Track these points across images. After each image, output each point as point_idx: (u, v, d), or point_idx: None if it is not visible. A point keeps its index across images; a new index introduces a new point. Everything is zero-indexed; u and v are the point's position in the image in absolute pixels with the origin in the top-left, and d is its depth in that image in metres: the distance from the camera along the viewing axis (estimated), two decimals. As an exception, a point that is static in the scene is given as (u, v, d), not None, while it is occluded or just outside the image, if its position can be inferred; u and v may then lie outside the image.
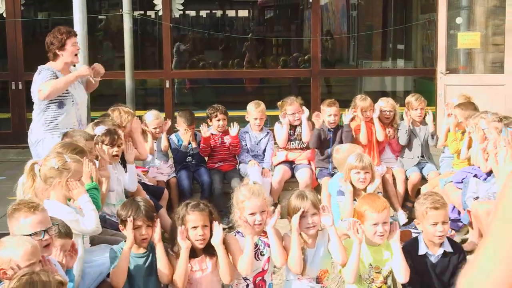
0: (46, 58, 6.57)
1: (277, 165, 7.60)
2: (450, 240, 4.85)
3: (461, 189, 6.40)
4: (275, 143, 7.74)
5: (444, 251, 4.68)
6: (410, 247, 4.77)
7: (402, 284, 4.64)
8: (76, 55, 6.54)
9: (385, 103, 7.72)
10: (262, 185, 4.93)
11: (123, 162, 6.21)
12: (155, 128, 7.51)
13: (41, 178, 4.44)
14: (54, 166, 4.40)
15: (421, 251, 4.69)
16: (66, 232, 3.99)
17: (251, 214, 4.50)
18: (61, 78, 6.35)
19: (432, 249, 4.69)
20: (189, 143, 7.51)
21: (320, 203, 4.69)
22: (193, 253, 4.51)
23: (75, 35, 6.59)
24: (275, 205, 6.23)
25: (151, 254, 4.53)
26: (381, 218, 4.49)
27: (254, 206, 4.50)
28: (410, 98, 7.79)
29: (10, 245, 3.38)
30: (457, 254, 4.70)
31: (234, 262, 4.50)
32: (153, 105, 7.87)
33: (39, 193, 4.44)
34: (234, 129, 7.47)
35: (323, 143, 7.51)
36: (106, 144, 5.77)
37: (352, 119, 7.56)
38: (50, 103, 6.37)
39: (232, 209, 4.68)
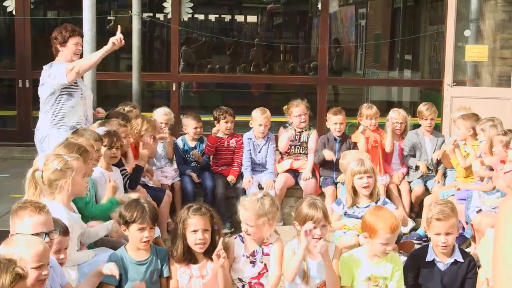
0: (54, 57, 6.54)
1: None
2: (461, 249, 4.81)
3: (464, 204, 6.37)
4: (277, 148, 7.69)
5: (455, 259, 4.62)
6: (419, 252, 4.78)
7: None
8: (76, 54, 6.49)
9: (397, 115, 7.61)
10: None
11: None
12: (161, 123, 7.47)
13: (45, 183, 4.34)
14: (57, 168, 4.32)
15: (429, 258, 4.64)
16: (64, 230, 3.96)
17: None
18: (95, 52, 6.42)
19: (441, 257, 4.64)
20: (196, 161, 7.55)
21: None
22: (193, 258, 4.48)
23: (80, 35, 6.56)
24: None
25: (154, 260, 4.45)
26: (393, 238, 4.44)
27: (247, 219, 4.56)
28: (422, 107, 7.72)
29: (22, 243, 3.32)
30: (467, 264, 4.63)
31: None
32: (160, 107, 7.85)
33: (47, 198, 4.38)
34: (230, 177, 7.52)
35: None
36: (104, 146, 5.74)
37: (357, 128, 7.53)
38: (60, 94, 6.33)
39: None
